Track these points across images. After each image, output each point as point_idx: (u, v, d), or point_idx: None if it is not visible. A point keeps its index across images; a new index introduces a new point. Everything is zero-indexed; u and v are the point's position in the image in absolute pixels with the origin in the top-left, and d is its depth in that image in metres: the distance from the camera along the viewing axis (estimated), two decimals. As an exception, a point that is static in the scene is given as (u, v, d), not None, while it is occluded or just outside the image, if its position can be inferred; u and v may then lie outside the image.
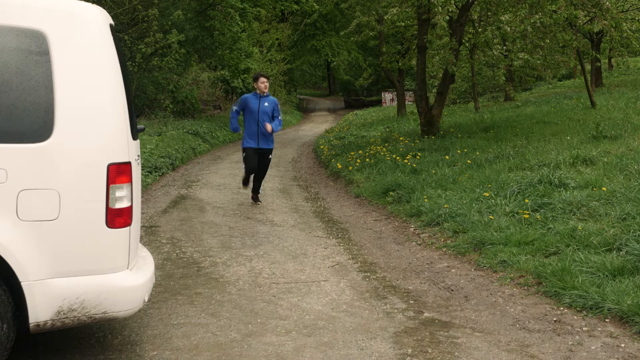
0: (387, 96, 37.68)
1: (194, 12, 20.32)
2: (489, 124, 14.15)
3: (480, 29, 14.18)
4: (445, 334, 4.13)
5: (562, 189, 6.98)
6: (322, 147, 16.26)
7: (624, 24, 12.37)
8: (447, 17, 11.38)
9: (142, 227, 7.25)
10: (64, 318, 3.29)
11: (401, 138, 13.99)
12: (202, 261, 5.95)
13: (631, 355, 3.69)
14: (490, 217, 6.57)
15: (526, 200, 6.76)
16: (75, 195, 3.26)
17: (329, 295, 4.91)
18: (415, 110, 16.52)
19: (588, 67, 20.39)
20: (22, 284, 3.18)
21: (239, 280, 5.32)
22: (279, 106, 8.54)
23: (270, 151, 8.54)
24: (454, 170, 9.24)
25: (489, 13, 13.11)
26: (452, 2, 11.32)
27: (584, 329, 4.10)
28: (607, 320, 4.17)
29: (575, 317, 4.30)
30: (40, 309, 3.22)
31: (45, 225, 3.22)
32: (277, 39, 32.56)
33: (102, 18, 3.45)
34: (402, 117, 22.54)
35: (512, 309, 4.54)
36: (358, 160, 11.74)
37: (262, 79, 8.37)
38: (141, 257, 3.85)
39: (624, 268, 4.70)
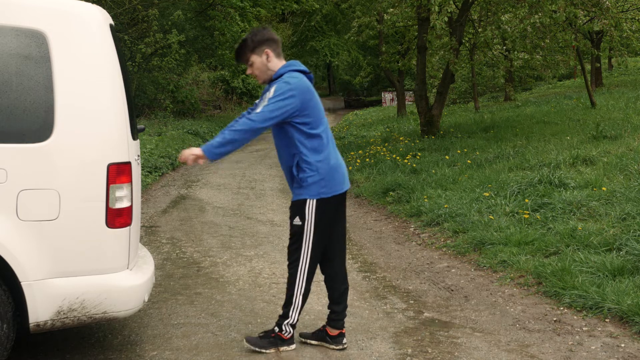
0: (387, 96, 37.68)
1: (194, 12, 20.34)
2: (489, 124, 14.16)
3: (480, 29, 14.19)
4: (445, 334, 4.14)
5: (562, 189, 6.98)
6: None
7: (624, 23, 12.38)
8: (446, 18, 11.38)
9: (142, 227, 7.25)
10: (64, 318, 3.29)
11: (401, 138, 13.99)
12: (202, 261, 5.95)
13: (631, 355, 3.69)
14: (490, 217, 6.57)
15: (526, 200, 6.76)
16: (75, 195, 3.26)
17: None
18: (415, 110, 16.52)
19: (588, 67, 20.39)
20: (22, 284, 3.18)
21: (239, 280, 5.32)
22: (271, 92, 3.67)
23: (294, 209, 3.82)
24: (454, 170, 9.24)
25: (489, 13, 13.11)
26: (451, 2, 11.32)
27: (584, 329, 4.10)
28: (607, 320, 4.17)
29: (575, 317, 4.30)
30: (40, 309, 3.22)
31: (45, 225, 3.22)
32: (277, 38, 32.48)
33: (102, 18, 3.45)
34: (402, 117, 22.55)
35: (512, 309, 4.54)
36: (358, 160, 11.74)
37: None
38: (141, 257, 3.85)
39: (624, 268, 4.70)
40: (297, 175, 3.74)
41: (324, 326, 3.98)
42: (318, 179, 3.72)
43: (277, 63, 3.81)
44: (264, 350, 3.79)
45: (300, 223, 3.77)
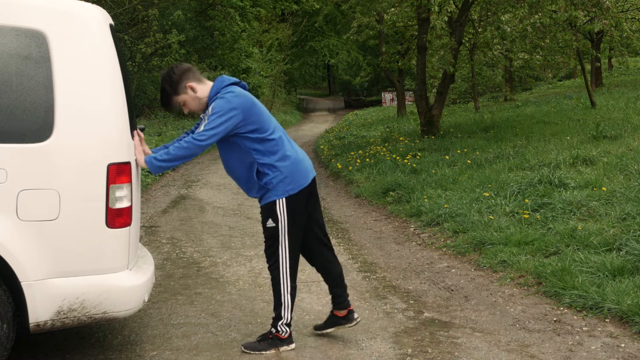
0: (387, 96, 37.66)
1: (194, 12, 20.35)
2: (489, 124, 14.15)
3: (480, 29, 14.19)
4: (445, 334, 4.13)
5: (562, 189, 6.98)
6: (322, 147, 16.26)
7: (624, 23, 12.37)
8: (446, 18, 11.38)
9: (142, 227, 7.25)
10: (64, 318, 3.29)
11: (401, 138, 13.99)
12: (202, 261, 5.95)
13: (631, 355, 3.69)
14: (490, 217, 6.57)
15: (526, 200, 6.76)
16: (75, 195, 3.26)
17: (329, 295, 4.90)
18: (415, 110, 16.51)
19: (588, 67, 20.37)
20: (22, 284, 3.18)
21: (239, 280, 5.32)
22: (209, 110, 3.70)
23: (265, 212, 3.85)
24: (454, 170, 9.24)
25: (489, 13, 13.11)
26: (451, 1, 11.31)
27: (584, 329, 4.10)
28: (607, 320, 4.17)
29: (575, 317, 4.30)
30: (40, 309, 3.22)
31: (45, 225, 3.22)
32: (277, 38, 32.57)
33: (102, 18, 3.45)
34: (402, 117, 22.53)
35: (512, 309, 4.54)
36: (358, 160, 11.73)
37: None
38: (141, 257, 3.85)
39: (624, 268, 4.70)
40: (260, 181, 3.76)
41: (332, 311, 4.07)
42: (282, 178, 3.75)
43: (204, 89, 3.81)
44: (264, 352, 3.80)
45: (273, 224, 3.81)
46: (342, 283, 4.06)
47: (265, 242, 3.91)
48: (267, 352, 3.80)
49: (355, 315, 4.06)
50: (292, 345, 3.88)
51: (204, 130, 3.63)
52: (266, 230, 3.85)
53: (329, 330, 4.08)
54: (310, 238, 3.98)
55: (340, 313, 4.04)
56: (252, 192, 3.86)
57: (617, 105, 14.26)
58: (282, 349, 3.84)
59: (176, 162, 3.68)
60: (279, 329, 3.85)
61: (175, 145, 3.68)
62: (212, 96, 3.76)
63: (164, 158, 3.63)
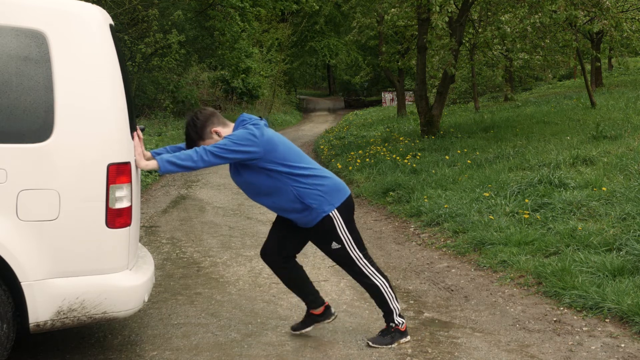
0: (387, 96, 37.65)
1: (194, 12, 20.33)
2: (489, 124, 14.16)
3: (480, 29, 14.19)
4: (445, 334, 4.14)
5: (562, 189, 6.98)
6: (322, 147, 16.26)
7: (624, 23, 12.38)
8: (447, 18, 11.38)
9: (142, 227, 7.25)
10: (64, 318, 3.29)
11: (401, 138, 13.99)
12: (202, 261, 5.95)
13: (631, 355, 3.69)
14: (490, 217, 6.57)
15: (526, 200, 6.76)
16: (75, 195, 3.25)
17: (329, 295, 4.91)
18: (415, 110, 16.51)
19: (588, 67, 20.37)
20: (22, 284, 3.18)
21: (239, 280, 5.32)
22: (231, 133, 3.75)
23: (323, 235, 3.86)
24: (454, 170, 9.24)
25: (489, 13, 13.11)
26: (452, 2, 11.31)
27: (584, 329, 4.10)
28: (607, 320, 4.18)
29: (575, 317, 4.30)
30: (40, 309, 3.22)
31: (45, 225, 3.22)
32: (277, 38, 32.58)
33: (102, 18, 3.45)
34: (402, 117, 22.53)
35: (512, 309, 4.55)
36: (358, 160, 11.74)
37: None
38: (141, 257, 3.85)
39: (624, 268, 4.70)
40: (304, 201, 3.70)
41: (307, 311, 4.09)
42: (326, 190, 3.75)
43: (229, 131, 3.76)
44: (390, 345, 3.87)
45: (339, 246, 3.80)
46: (308, 281, 4.05)
47: (339, 264, 3.91)
48: (392, 345, 3.88)
49: (333, 310, 4.08)
50: (408, 338, 3.96)
51: (218, 146, 3.56)
52: (333, 254, 3.85)
53: (306, 330, 4.08)
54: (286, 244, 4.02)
55: (317, 311, 4.05)
56: (294, 214, 3.81)
57: (617, 105, 14.27)
58: (402, 341, 3.92)
59: (184, 163, 3.54)
60: (396, 321, 3.92)
61: (189, 150, 3.61)
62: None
63: (178, 156, 3.57)
